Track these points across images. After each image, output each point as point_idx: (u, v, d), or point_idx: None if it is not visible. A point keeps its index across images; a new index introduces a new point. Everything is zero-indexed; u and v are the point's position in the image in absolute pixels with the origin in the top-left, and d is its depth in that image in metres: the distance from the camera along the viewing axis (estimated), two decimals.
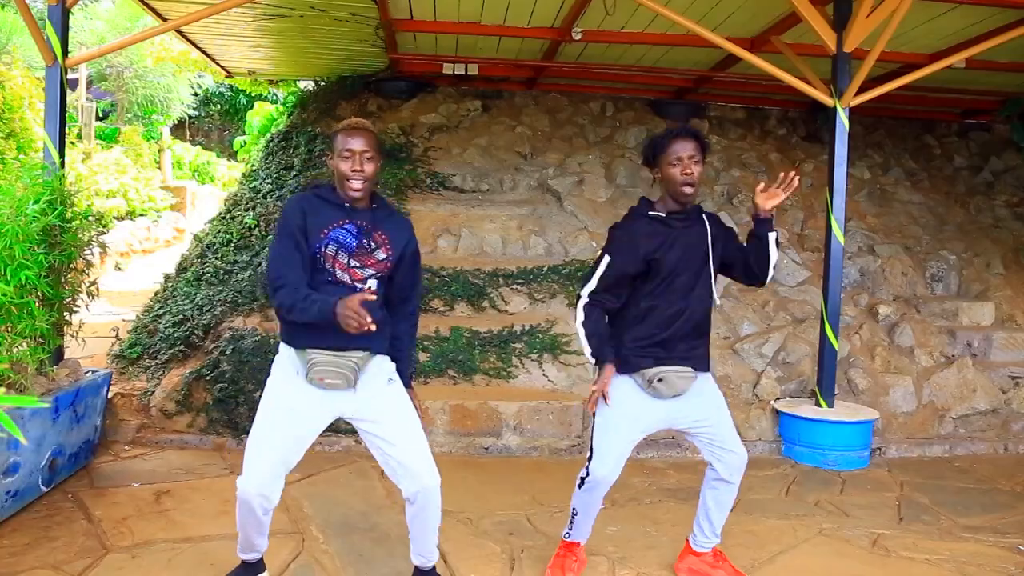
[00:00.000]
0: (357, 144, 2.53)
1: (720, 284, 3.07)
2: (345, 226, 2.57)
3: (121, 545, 3.18)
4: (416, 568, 2.85)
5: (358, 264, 2.57)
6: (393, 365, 2.73)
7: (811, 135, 7.91)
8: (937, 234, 6.96)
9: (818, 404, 4.89)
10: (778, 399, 5.18)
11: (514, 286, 5.82)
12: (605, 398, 2.76)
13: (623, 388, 2.83)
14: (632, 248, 2.77)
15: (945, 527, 3.79)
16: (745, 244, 2.88)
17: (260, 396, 2.68)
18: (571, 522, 2.99)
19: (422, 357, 5.11)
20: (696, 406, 2.88)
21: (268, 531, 2.74)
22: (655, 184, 2.87)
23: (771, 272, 2.86)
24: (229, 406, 4.65)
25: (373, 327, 2.30)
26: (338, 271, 2.55)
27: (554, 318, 5.48)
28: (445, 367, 5.07)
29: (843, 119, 4.82)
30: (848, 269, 6.25)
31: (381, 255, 2.61)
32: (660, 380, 2.78)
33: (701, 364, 2.88)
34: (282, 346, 2.65)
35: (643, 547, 3.34)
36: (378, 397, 2.65)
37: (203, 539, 3.26)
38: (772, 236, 2.81)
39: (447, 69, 7.17)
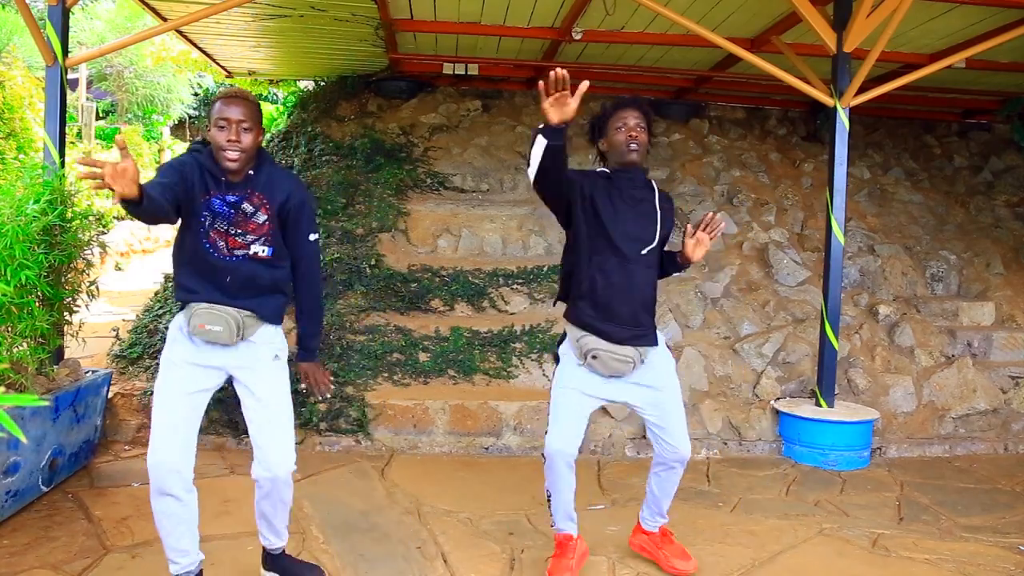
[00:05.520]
0: (234, 113, 2.43)
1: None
2: (218, 195, 2.51)
3: (121, 545, 3.18)
4: (264, 550, 2.83)
5: (239, 231, 2.52)
6: (285, 343, 2.70)
7: (811, 135, 7.90)
8: (937, 234, 6.96)
9: (818, 404, 4.89)
10: (778, 399, 5.18)
11: (514, 286, 5.82)
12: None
13: (567, 360, 2.90)
14: (582, 178, 2.80)
15: (945, 527, 3.79)
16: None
17: None
18: (549, 507, 2.96)
19: (422, 357, 5.11)
20: (641, 392, 2.89)
21: (196, 532, 2.59)
22: (597, 162, 2.92)
23: None
24: (229, 406, 4.64)
25: (101, 175, 2.03)
26: (217, 239, 2.52)
27: (554, 318, 5.48)
28: (445, 367, 5.07)
29: (843, 119, 4.82)
30: (848, 269, 6.25)
31: (261, 217, 2.54)
32: (594, 357, 2.79)
33: (647, 340, 2.85)
34: (175, 318, 2.65)
35: None
36: (261, 368, 2.63)
37: (203, 539, 3.23)
38: (676, 274, 3.03)
39: (447, 69, 7.16)
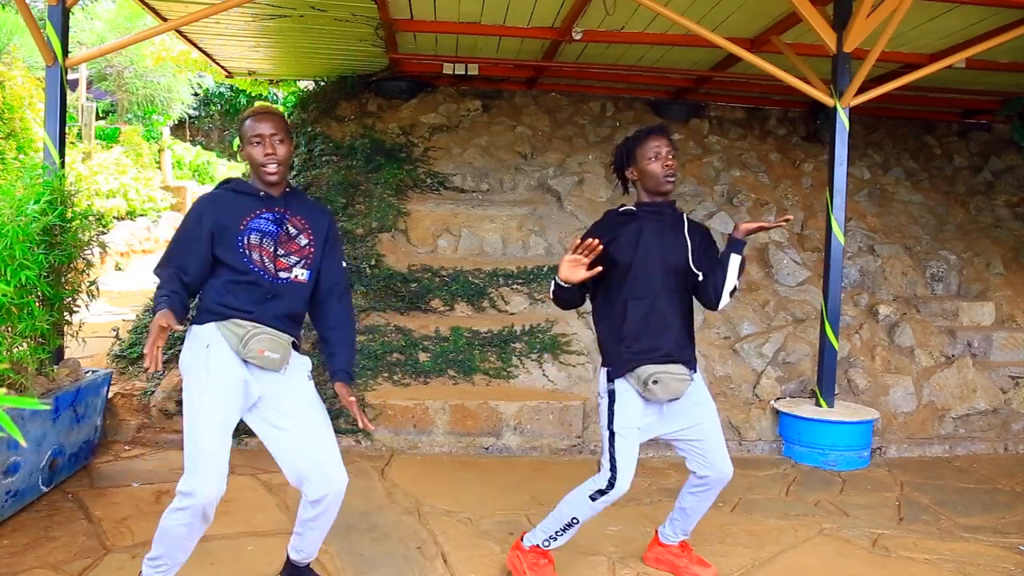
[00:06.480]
0: (266, 128, 2.48)
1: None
2: (263, 215, 2.51)
3: (121, 545, 3.18)
4: (291, 562, 2.80)
5: (284, 252, 2.52)
6: (310, 363, 2.68)
7: (811, 135, 7.91)
8: (937, 234, 6.96)
9: (818, 404, 4.89)
10: (778, 399, 5.18)
11: (514, 286, 5.82)
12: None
13: (625, 397, 2.81)
14: (600, 234, 2.73)
15: (945, 527, 3.79)
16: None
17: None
18: (564, 532, 2.89)
19: (422, 357, 5.11)
20: (690, 412, 2.84)
21: None
22: (627, 192, 2.93)
23: (724, 299, 2.74)
24: None
25: (152, 362, 2.13)
26: (265, 259, 2.49)
27: (554, 318, 5.48)
28: (445, 367, 5.07)
29: (843, 119, 4.82)
30: (848, 269, 6.25)
31: (303, 240, 2.57)
32: (655, 382, 2.74)
33: (691, 364, 2.85)
34: (196, 329, 2.50)
35: (643, 547, 3.33)
36: (299, 391, 2.57)
37: (203, 539, 3.22)
38: (736, 260, 2.71)
39: (447, 69, 7.17)
